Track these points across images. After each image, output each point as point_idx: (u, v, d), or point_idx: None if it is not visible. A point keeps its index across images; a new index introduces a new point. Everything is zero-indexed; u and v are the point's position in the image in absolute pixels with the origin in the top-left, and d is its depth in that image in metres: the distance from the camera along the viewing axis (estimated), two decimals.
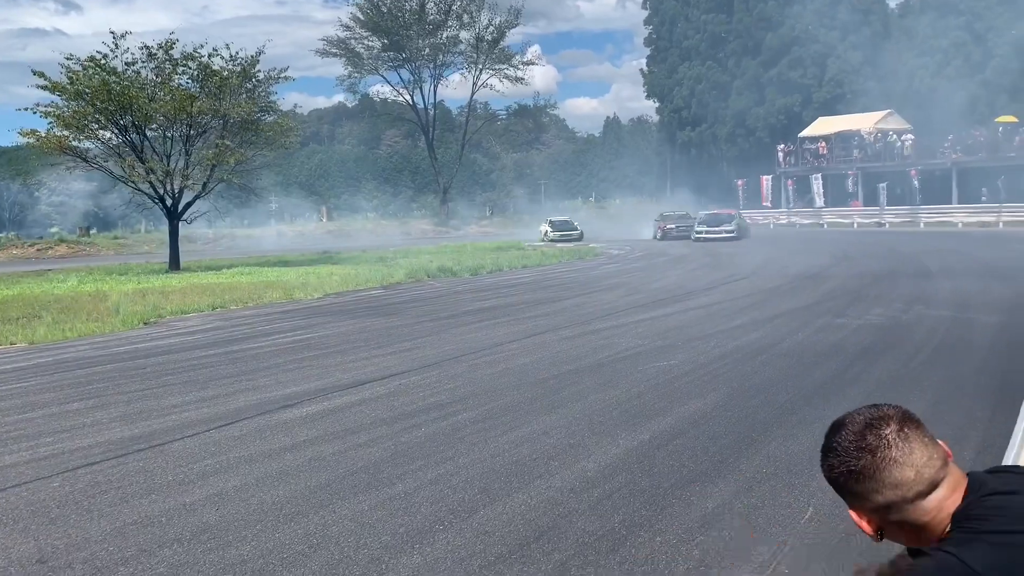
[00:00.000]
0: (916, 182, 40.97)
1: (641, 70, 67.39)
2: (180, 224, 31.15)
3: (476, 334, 11.70)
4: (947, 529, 1.25)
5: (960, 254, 22.29)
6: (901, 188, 42.11)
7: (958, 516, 1.25)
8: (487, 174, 76.24)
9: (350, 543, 4.38)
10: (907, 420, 1.32)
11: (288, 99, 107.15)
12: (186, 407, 7.72)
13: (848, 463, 1.32)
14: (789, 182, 48.58)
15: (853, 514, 1.35)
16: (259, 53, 30.37)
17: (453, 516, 4.71)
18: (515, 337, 11.20)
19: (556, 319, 12.90)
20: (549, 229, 43.33)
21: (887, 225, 40.39)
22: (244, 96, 30.21)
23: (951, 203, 40.25)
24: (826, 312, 12.45)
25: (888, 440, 1.30)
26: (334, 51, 62.20)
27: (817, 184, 46.19)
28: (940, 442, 1.33)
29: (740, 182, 52.40)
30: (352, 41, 62.22)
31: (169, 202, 30.15)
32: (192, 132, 29.83)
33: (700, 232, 36.14)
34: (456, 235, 55.96)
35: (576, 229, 42.89)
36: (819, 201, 46.20)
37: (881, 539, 1.36)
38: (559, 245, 37.93)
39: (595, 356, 9.53)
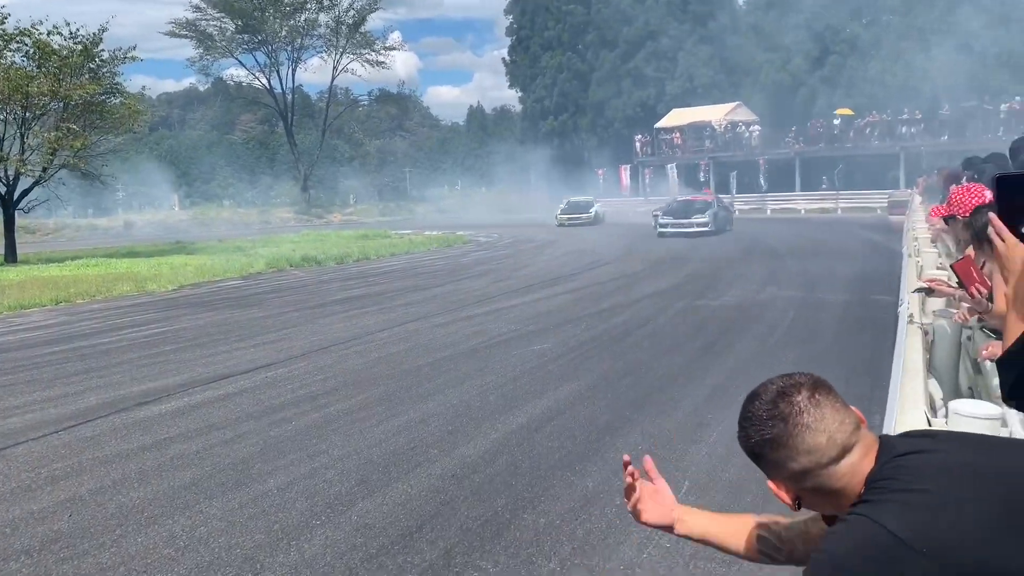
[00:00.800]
0: (762, 171, 43.26)
1: (503, 59, 67.71)
2: (16, 213, 28.89)
3: (345, 324, 11.43)
4: (861, 492, 1.27)
5: (804, 238, 23.65)
6: (749, 177, 44.29)
7: (871, 479, 1.27)
8: (350, 161, 74.62)
9: (220, 544, 4.16)
10: (818, 386, 1.35)
11: (135, 81, 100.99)
12: (30, 408, 7.15)
13: (762, 431, 1.33)
14: (646, 171, 50.16)
15: (771, 484, 1.37)
16: (102, 31, 28.44)
17: (331, 510, 4.56)
18: (386, 326, 11.02)
19: (427, 306, 12.78)
20: (560, 210, 41.04)
21: (737, 212, 42.24)
22: (87, 77, 28.25)
23: (794, 191, 42.71)
24: (687, 294, 12.92)
25: (800, 406, 1.32)
26: (184, 33, 59.15)
27: (672, 173, 47.90)
28: (852, 407, 1.35)
29: (600, 171, 53.68)
30: (203, 23, 59.33)
31: (3, 189, 27.90)
32: (28, 115, 27.66)
33: (665, 226, 27.35)
34: (319, 223, 54.58)
35: (588, 212, 39.44)
36: (675, 189, 47.95)
37: (799, 508, 1.38)
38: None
39: (469, 342, 9.50)
